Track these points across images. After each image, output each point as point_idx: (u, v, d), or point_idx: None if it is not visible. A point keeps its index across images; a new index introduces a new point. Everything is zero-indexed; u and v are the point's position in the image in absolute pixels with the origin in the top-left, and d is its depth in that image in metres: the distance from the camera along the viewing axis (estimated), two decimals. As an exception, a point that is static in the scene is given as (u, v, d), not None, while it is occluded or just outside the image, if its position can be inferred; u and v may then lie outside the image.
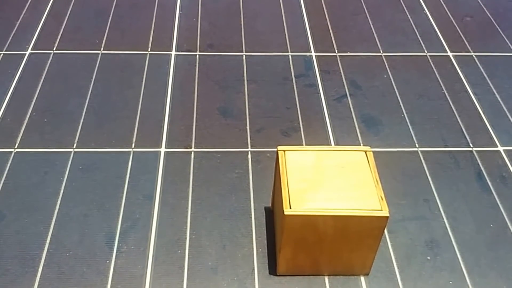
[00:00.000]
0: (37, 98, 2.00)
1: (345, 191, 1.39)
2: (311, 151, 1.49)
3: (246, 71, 2.17)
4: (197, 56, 2.23)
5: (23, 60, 2.16)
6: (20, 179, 1.71)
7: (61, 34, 2.31)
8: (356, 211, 1.34)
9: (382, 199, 1.38)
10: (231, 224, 1.61)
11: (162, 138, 1.87)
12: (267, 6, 2.54)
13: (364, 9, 2.55)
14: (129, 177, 1.72)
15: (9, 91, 2.03)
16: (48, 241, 1.54)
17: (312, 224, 1.34)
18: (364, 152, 1.50)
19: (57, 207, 1.63)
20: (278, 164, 1.48)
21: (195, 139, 1.87)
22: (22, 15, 2.41)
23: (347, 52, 2.29)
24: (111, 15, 2.42)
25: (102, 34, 2.31)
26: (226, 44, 2.30)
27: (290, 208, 1.33)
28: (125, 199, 1.65)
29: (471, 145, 1.90)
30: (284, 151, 1.48)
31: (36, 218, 1.60)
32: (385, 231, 1.61)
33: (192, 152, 1.83)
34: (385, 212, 1.35)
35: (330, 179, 1.41)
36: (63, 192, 1.66)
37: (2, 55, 2.18)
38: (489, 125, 1.98)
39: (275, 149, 1.84)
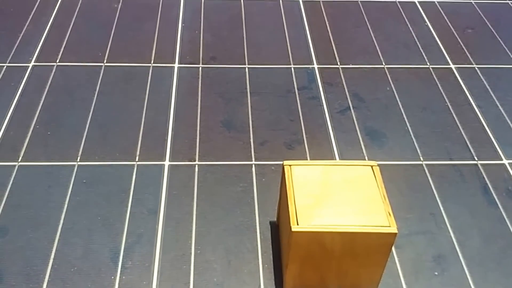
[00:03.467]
0: (40, 110, 1.99)
1: (352, 206, 1.37)
2: (317, 165, 1.47)
3: (249, 83, 2.16)
4: (200, 68, 2.23)
5: (26, 73, 2.16)
6: (24, 193, 1.70)
7: (64, 46, 2.30)
8: (364, 228, 1.32)
9: (390, 215, 1.36)
10: (236, 239, 1.59)
11: (166, 151, 1.86)
12: (269, 18, 2.55)
13: (365, 21, 2.55)
14: (133, 191, 1.71)
15: (12, 104, 2.02)
16: (52, 256, 1.52)
17: (319, 240, 1.33)
18: (370, 167, 1.49)
19: (61, 221, 1.61)
20: (284, 178, 1.47)
21: (199, 152, 1.87)
22: (25, 27, 2.40)
23: (349, 64, 2.29)
24: (113, 28, 2.42)
25: (105, 46, 2.31)
26: (228, 57, 2.29)
27: (297, 224, 1.32)
28: (130, 214, 1.64)
29: (476, 158, 1.89)
30: (290, 165, 1.46)
31: (40, 233, 1.58)
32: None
33: (196, 165, 1.82)
34: (393, 229, 1.34)
35: (337, 194, 1.40)
36: (67, 206, 1.65)
37: (5, 67, 2.18)
38: (494, 138, 1.98)
39: (279, 162, 1.84)
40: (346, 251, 1.35)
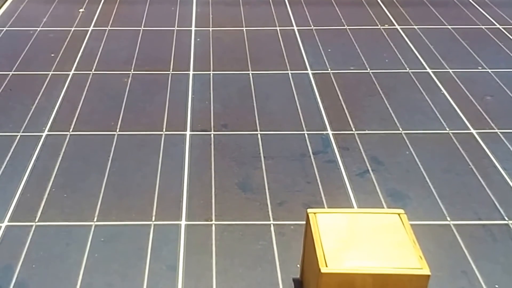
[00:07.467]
0: (56, 175, 2.21)
1: (382, 251, 1.51)
2: (342, 213, 1.63)
3: (262, 148, 2.37)
4: (212, 135, 2.46)
5: (40, 141, 2.40)
6: (42, 251, 1.86)
7: (77, 117, 2.57)
8: (395, 269, 1.45)
9: (421, 258, 1.49)
10: (260, 295, 1.71)
11: (181, 212, 2.03)
12: (279, 89, 2.81)
13: (378, 90, 2.82)
14: (151, 249, 1.86)
15: (27, 169, 2.24)
16: (71, 312, 1.65)
17: (350, 283, 1.44)
18: (397, 215, 1.64)
19: (80, 277, 1.75)
20: (309, 226, 1.61)
21: (215, 212, 2.04)
22: (37, 100, 2.70)
23: (365, 130, 2.51)
24: (124, 100, 2.70)
25: (117, 116, 2.58)
26: (240, 124, 2.53)
27: (327, 266, 1.44)
28: (148, 270, 1.78)
29: (506, 218, 2.03)
30: (315, 213, 1.62)
31: None
32: (424, 302, 1.69)
33: (213, 225, 1.98)
34: (425, 271, 1.46)
35: (365, 240, 1.54)
36: (85, 263, 1.80)
37: (19, 136, 2.43)
38: (523, 199, 2.12)
39: (299, 222, 1.97)
40: (377, 296, 1.46)
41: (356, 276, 1.43)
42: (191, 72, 2.94)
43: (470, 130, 2.51)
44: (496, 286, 1.75)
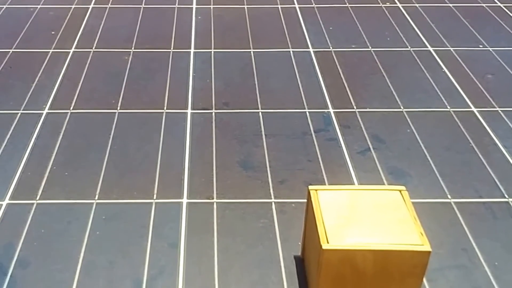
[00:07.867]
0: (56, 153, 2.19)
1: (383, 227, 1.49)
2: (343, 190, 1.61)
3: (264, 126, 2.35)
4: (213, 113, 2.43)
5: (40, 119, 2.38)
6: (43, 228, 1.85)
7: (77, 95, 2.55)
8: (396, 246, 1.43)
9: (422, 234, 1.47)
10: (261, 272, 1.70)
11: (183, 190, 2.02)
12: (280, 67, 2.78)
13: (380, 68, 2.78)
14: (153, 226, 1.86)
15: (28, 147, 2.22)
16: (74, 287, 1.64)
17: (351, 260, 1.43)
18: (399, 191, 1.62)
19: (82, 254, 1.75)
20: (310, 203, 1.59)
21: (216, 190, 2.02)
22: (37, 77, 2.66)
23: (366, 108, 2.48)
24: (125, 78, 2.67)
25: (118, 95, 2.55)
26: (241, 102, 2.50)
27: (328, 243, 1.43)
28: (150, 247, 1.77)
29: (506, 196, 2.02)
30: (316, 190, 1.60)
31: (61, 265, 1.71)
32: (424, 279, 1.68)
33: (215, 203, 1.97)
34: (426, 247, 1.44)
35: (366, 216, 1.52)
36: (87, 241, 1.80)
37: (19, 114, 2.41)
38: (523, 176, 2.11)
39: (300, 200, 1.96)
40: (378, 273, 1.44)
41: (357, 252, 1.42)
42: (192, 50, 2.90)
43: (471, 108, 2.49)
44: (496, 263, 1.75)
